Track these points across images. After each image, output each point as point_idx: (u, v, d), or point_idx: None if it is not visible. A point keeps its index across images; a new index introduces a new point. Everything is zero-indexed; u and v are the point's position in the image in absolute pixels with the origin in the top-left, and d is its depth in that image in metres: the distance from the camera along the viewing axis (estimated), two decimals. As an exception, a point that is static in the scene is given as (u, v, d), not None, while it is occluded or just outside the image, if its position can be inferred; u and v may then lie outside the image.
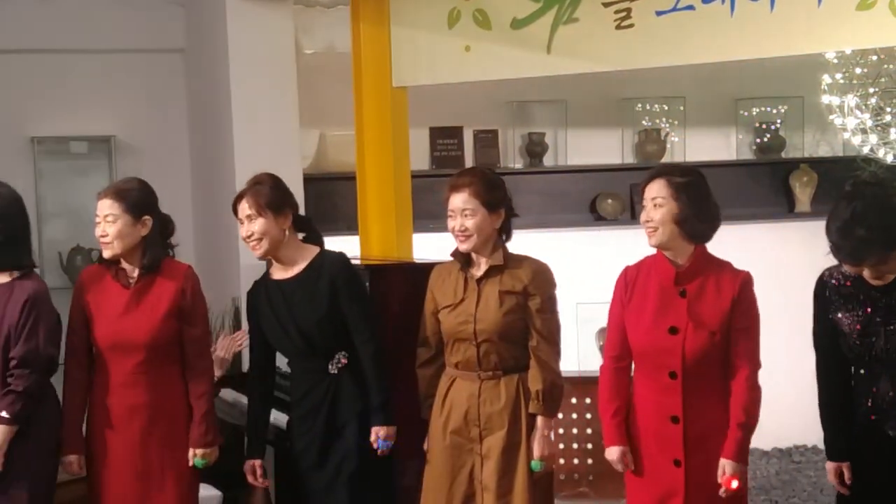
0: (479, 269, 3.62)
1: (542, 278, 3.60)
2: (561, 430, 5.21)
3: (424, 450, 3.76)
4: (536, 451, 3.57)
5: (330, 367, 3.61)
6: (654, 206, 3.29)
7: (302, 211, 5.10)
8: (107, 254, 3.58)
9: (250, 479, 3.72)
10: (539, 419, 3.58)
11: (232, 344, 4.11)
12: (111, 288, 3.61)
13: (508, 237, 3.69)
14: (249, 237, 3.60)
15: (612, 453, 3.43)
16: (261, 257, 3.69)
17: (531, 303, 3.56)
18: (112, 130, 6.12)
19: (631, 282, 3.42)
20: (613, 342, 3.45)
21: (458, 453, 3.62)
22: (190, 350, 3.63)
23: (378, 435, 3.60)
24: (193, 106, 6.23)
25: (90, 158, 6.17)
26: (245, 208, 3.60)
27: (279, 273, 3.70)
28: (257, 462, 3.71)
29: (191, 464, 3.61)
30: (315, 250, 3.71)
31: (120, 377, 3.57)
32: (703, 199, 3.32)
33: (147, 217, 3.59)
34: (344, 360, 3.62)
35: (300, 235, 3.77)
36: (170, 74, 6.32)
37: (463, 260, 3.64)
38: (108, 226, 3.53)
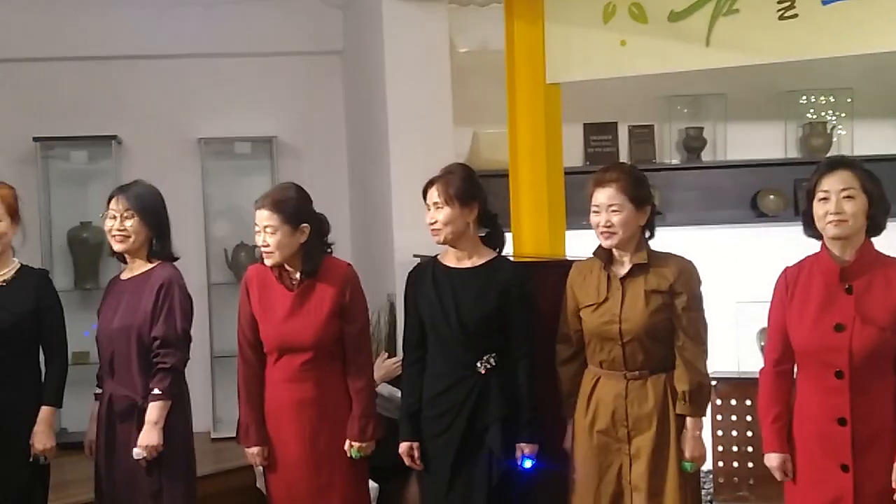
0: (623, 267, 3.56)
1: (688, 276, 3.52)
2: (720, 433, 5.08)
3: (566, 448, 3.73)
4: (687, 452, 3.50)
5: (479, 365, 3.61)
6: (846, 197, 3.15)
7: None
8: (269, 262, 3.69)
9: (407, 461, 3.75)
10: (688, 420, 3.51)
11: (389, 372, 4.18)
12: (275, 289, 3.72)
13: (652, 234, 3.61)
14: (433, 224, 3.63)
15: (772, 460, 3.31)
16: (440, 244, 3.71)
17: (677, 301, 3.49)
18: (273, 131, 6.28)
19: (792, 282, 3.30)
20: (774, 345, 3.33)
21: (606, 453, 3.57)
22: (349, 347, 3.72)
23: (524, 451, 3.61)
24: (350, 106, 6.34)
25: (253, 158, 6.33)
26: (433, 195, 3.63)
27: (451, 261, 3.72)
28: (415, 444, 3.72)
29: (348, 454, 3.70)
30: (493, 253, 3.72)
31: (288, 373, 3.70)
32: (882, 189, 3.21)
33: (305, 225, 3.67)
34: (493, 362, 3.61)
35: (481, 232, 3.76)
36: (328, 76, 6.45)
37: (605, 258, 3.58)
38: (269, 236, 3.63)
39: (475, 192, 3.67)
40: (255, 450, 3.76)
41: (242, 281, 3.83)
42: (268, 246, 3.63)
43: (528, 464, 3.61)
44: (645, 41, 4.49)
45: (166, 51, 6.22)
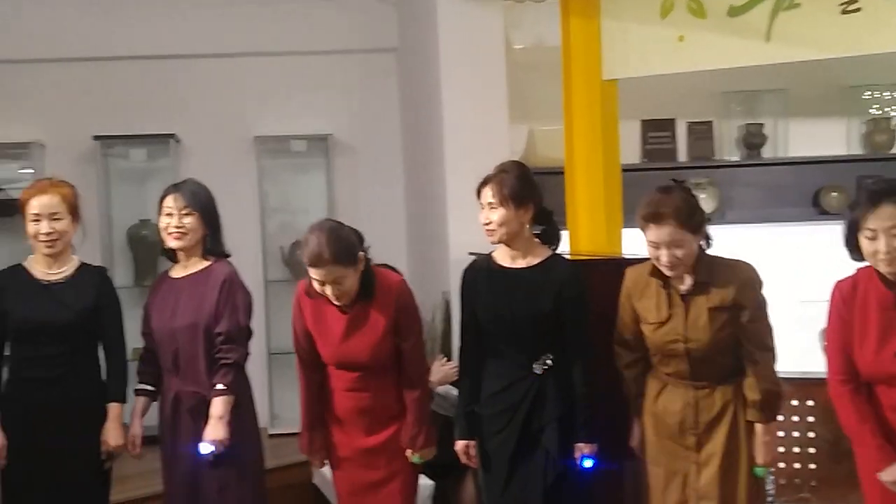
0: (684, 283, 3.47)
1: (750, 287, 3.42)
2: (781, 433, 5.00)
3: (633, 447, 3.69)
4: (760, 458, 3.44)
5: (535, 366, 3.57)
6: (895, 235, 3.06)
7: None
8: (342, 303, 3.62)
9: (464, 459, 3.74)
10: (758, 426, 3.45)
11: (445, 376, 4.15)
12: (329, 310, 3.69)
13: (709, 244, 3.50)
14: (487, 224, 3.58)
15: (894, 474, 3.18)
16: (494, 244, 3.65)
17: (742, 314, 3.40)
18: (329, 129, 6.31)
19: (848, 300, 3.22)
20: (838, 364, 3.25)
21: (673, 459, 3.52)
22: (405, 360, 3.70)
23: (583, 451, 3.57)
24: (405, 103, 6.35)
25: (309, 156, 6.37)
26: (488, 195, 3.57)
27: (505, 260, 3.67)
28: (471, 443, 3.72)
29: (410, 461, 3.72)
30: (548, 252, 3.66)
31: (346, 383, 3.72)
32: None
33: (360, 254, 3.61)
34: (550, 363, 3.57)
35: (537, 229, 3.71)
36: (383, 73, 6.46)
37: (663, 276, 3.48)
38: (338, 286, 3.55)
39: (530, 192, 3.60)
40: (315, 457, 3.83)
41: (295, 297, 3.81)
42: (339, 293, 3.57)
43: (588, 463, 3.57)
44: (704, 36, 4.44)
45: (223, 49, 6.28)
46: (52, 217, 3.78)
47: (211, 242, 3.89)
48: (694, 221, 3.38)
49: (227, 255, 3.94)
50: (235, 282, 3.82)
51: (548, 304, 3.54)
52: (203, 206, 3.85)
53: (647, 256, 3.55)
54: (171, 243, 3.85)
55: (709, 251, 3.50)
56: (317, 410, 3.78)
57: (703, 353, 3.41)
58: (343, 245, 3.53)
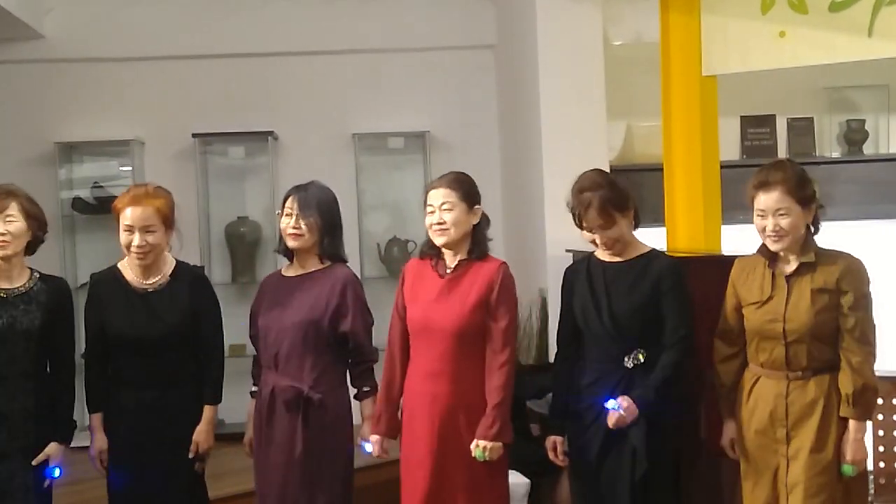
0: (789, 265, 3.45)
1: (855, 274, 3.38)
2: (881, 433, 4.93)
3: (722, 446, 3.69)
4: (849, 455, 3.39)
5: (626, 360, 3.58)
6: None
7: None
8: (442, 240, 3.67)
9: (551, 455, 3.73)
10: (851, 423, 3.39)
11: None
12: (429, 276, 3.74)
13: (817, 230, 3.47)
14: (604, 243, 3.57)
15: None
16: (612, 254, 3.64)
17: (843, 300, 3.36)
18: (426, 126, 6.37)
19: None
20: None
21: (764, 454, 3.50)
22: (491, 343, 3.65)
23: (620, 402, 3.46)
24: (503, 100, 6.38)
25: (406, 153, 6.44)
26: (593, 218, 3.53)
27: (606, 256, 3.67)
28: (558, 439, 3.72)
29: (472, 454, 3.59)
30: (646, 247, 3.66)
31: (427, 364, 3.68)
32: None
33: (478, 206, 3.69)
34: (641, 358, 3.55)
35: None
36: (481, 70, 6.49)
37: (769, 255, 3.48)
38: (446, 213, 3.63)
39: (628, 196, 3.59)
40: (375, 438, 3.78)
41: (402, 272, 3.86)
42: (443, 223, 3.63)
43: (611, 404, 3.47)
44: (805, 32, 4.41)
45: (321, 47, 6.39)
46: (146, 230, 3.71)
47: (328, 245, 3.86)
48: (803, 193, 3.37)
49: (345, 260, 3.94)
50: (358, 283, 3.86)
51: (646, 294, 3.54)
52: (322, 208, 3.83)
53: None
54: (290, 243, 3.85)
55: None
56: (395, 394, 3.75)
57: (802, 335, 3.39)
58: (466, 180, 3.69)
